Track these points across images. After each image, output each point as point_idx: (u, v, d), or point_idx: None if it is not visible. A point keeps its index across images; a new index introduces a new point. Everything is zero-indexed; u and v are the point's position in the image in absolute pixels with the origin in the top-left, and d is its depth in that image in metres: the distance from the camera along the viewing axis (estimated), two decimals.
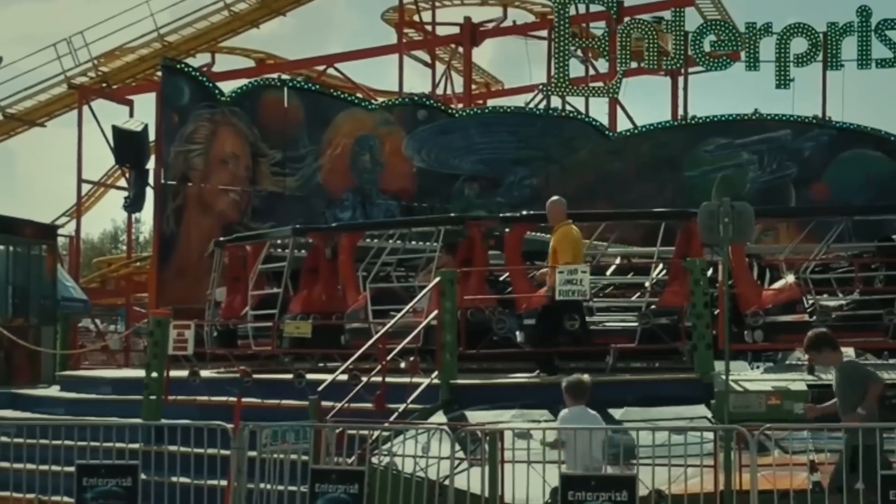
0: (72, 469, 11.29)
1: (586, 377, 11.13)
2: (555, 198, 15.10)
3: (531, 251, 17.90)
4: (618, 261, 18.84)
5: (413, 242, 19.32)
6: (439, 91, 37.67)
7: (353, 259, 18.24)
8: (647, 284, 16.96)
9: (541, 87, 32.60)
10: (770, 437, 10.96)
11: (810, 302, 15.75)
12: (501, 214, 19.77)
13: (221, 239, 21.28)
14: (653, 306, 15.90)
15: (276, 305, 18.07)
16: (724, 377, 12.44)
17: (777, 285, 16.39)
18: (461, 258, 16.78)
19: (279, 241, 19.73)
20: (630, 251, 19.87)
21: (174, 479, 11.62)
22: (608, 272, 18.10)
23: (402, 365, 14.11)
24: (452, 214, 20.49)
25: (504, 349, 15.62)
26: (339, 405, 12.50)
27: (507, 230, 17.27)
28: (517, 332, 15.82)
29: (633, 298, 16.95)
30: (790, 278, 16.01)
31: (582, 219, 18.96)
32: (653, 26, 30.66)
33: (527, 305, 15.68)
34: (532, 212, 18.13)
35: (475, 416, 12.53)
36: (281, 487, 10.80)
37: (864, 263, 17.31)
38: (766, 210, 19.26)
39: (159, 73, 30.12)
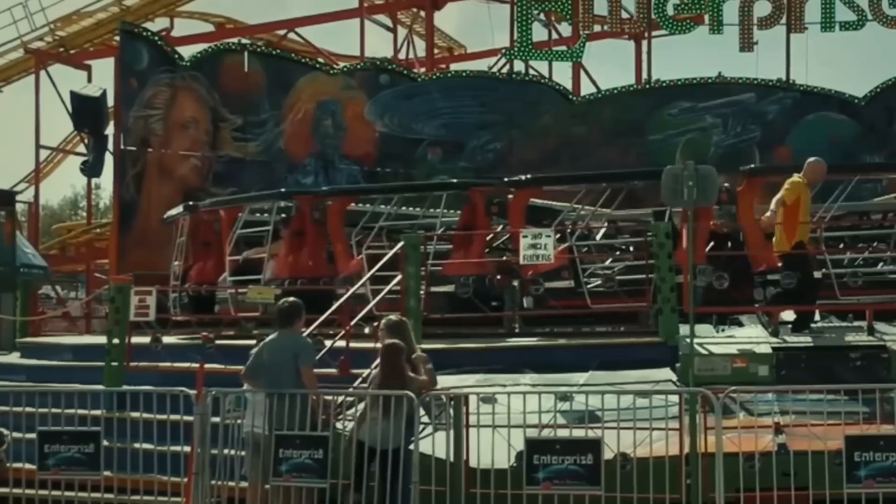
0: (33, 436, 11.24)
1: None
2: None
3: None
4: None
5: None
6: (401, 56, 37.43)
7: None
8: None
9: (504, 51, 32.34)
10: (735, 400, 11.02)
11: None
12: (322, 188, 20.71)
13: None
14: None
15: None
16: (688, 340, 12.46)
17: None
18: (294, 229, 17.77)
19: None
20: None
21: (137, 445, 11.56)
22: None
23: (367, 330, 14.04)
24: (283, 190, 20.50)
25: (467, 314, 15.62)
26: None
27: (328, 203, 17.81)
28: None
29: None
30: (560, 246, 15.72)
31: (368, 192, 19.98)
32: None
33: (346, 273, 16.30)
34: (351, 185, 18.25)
35: (440, 381, 12.47)
36: (244, 453, 10.75)
37: (640, 231, 17.11)
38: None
39: (117, 38, 29.73)
